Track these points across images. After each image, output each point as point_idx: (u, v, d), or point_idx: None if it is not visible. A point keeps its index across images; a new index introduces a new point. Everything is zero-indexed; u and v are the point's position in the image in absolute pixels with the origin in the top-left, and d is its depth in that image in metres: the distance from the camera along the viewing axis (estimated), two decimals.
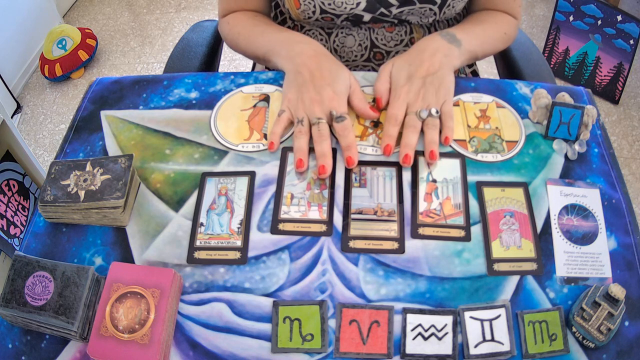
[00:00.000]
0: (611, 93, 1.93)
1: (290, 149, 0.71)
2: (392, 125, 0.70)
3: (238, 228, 0.64)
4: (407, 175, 0.68)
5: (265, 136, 0.73)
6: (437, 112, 0.70)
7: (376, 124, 0.74)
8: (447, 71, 0.73)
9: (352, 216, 0.65)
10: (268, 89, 0.79)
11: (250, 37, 0.83)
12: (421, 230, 0.64)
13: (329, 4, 0.77)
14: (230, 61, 2.21)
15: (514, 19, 0.85)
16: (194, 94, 0.79)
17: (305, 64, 0.73)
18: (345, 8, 0.77)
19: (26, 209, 1.36)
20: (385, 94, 0.73)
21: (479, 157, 0.70)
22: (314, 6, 0.78)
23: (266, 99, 0.77)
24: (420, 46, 0.75)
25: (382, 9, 0.77)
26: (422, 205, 0.66)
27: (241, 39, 0.85)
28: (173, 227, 0.65)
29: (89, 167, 0.66)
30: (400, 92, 0.71)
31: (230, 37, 0.87)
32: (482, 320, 0.57)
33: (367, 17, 0.79)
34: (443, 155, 0.70)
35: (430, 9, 0.78)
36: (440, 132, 0.70)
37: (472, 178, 0.68)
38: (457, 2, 0.78)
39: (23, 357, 0.57)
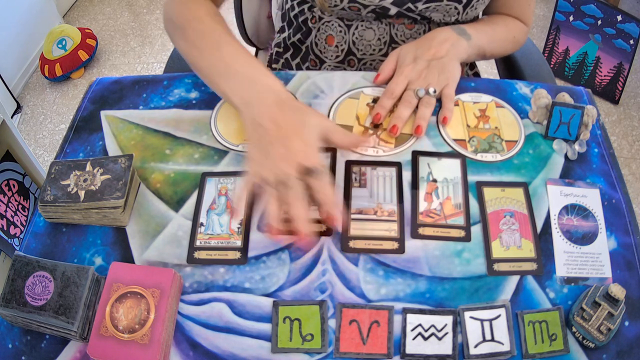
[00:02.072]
0: (611, 93, 1.93)
1: None
2: (387, 98, 0.73)
3: (238, 228, 0.64)
4: (407, 175, 0.68)
5: None
6: (434, 91, 0.72)
7: (376, 126, 0.74)
8: (453, 59, 0.75)
9: (352, 216, 0.65)
10: None
11: (202, 45, 0.70)
12: (421, 230, 0.64)
13: None
14: None
15: (525, 25, 0.88)
16: (194, 94, 0.79)
17: (267, 113, 0.62)
18: (374, 0, 0.77)
19: (26, 209, 1.36)
20: (388, 73, 0.76)
21: (478, 157, 0.70)
22: None
23: None
24: (430, 34, 0.78)
25: (409, 4, 0.78)
26: (422, 205, 0.66)
27: (190, 34, 0.71)
28: (173, 227, 0.65)
29: (89, 167, 0.66)
30: (404, 69, 0.74)
31: (178, 20, 0.73)
32: (482, 320, 0.57)
33: (393, 10, 0.79)
34: (443, 155, 0.70)
35: (455, 7, 0.79)
36: (439, 113, 0.73)
37: (472, 178, 0.68)
38: (480, 3, 0.80)
39: (23, 357, 0.57)
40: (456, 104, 0.76)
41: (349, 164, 0.69)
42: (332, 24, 0.85)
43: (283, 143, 0.59)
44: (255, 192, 0.60)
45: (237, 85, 0.66)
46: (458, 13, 0.80)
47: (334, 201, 0.58)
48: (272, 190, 0.58)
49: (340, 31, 0.86)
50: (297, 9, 0.89)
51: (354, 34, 0.85)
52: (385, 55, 0.87)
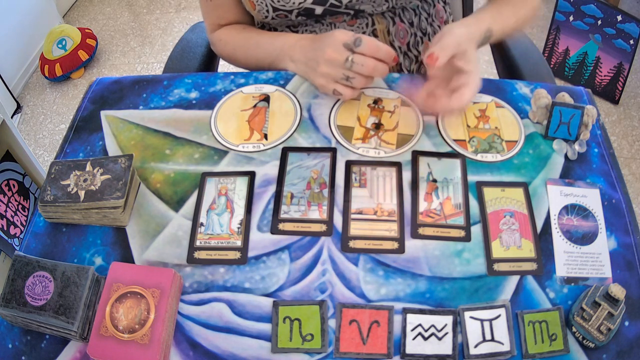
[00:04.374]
0: (611, 93, 1.93)
1: (290, 148, 0.71)
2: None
3: (238, 228, 0.64)
4: (407, 175, 0.68)
5: (265, 136, 0.73)
6: None
7: (377, 126, 0.74)
8: None
9: (352, 216, 0.65)
10: (268, 89, 0.79)
11: (247, 51, 0.86)
12: (421, 230, 0.64)
13: (278, 1, 0.78)
14: None
15: None
16: (194, 94, 0.79)
17: (308, 52, 0.76)
18: (294, 3, 0.77)
19: (26, 209, 1.36)
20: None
21: (478, 157, 0.70)
22: (266, 5, 0.79)
23: (266, 99, 0.77)
24: (462, 47, 0.67)
25: (332, 0, 0.78)
26: (422, 205, 0.66)
27: (238, 54, 0.87)
28: (173, 227, 0.65)
29: (89, 167, 0.66)
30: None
31: (225, 53, 0.90)
32: (482, 320, 0.57)
33: (318, 9, 0.79)
34: (443, 155, 0.70)
35: None
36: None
37: (472, 178, 0.68)
38: None
39: (23, 357, 0.57)
40: None
41: (349, 164, 0.69)
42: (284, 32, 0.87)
43: (323, 47, 0.71)
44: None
45: (285, 57, 0.80)
46: (386, 0, 0.80)
47: (387, 47, 0.69)
48: (353, 79, 0.70)
49: None
50: (259, 25, 0.91)
51: None
52: None
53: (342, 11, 0.81)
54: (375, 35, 0.85)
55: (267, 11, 0.80)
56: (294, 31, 0.86)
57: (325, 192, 0.67)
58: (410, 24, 0.87)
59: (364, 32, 0.85)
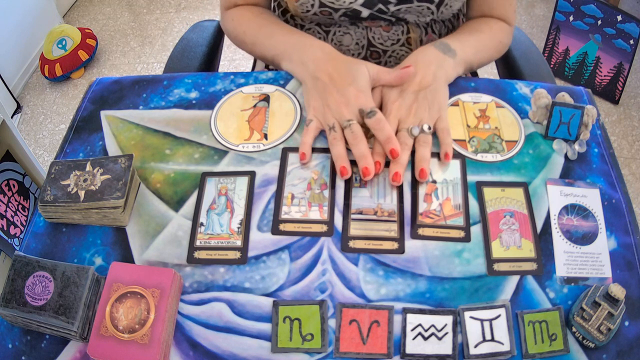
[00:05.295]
0: (611, 93, 1.93)
1: (291, 149, 0.71)
2: (379, 145, 0.68)
3: (238, 228, 0.64)
4: (407, 176, 0.68)
5: (265, 136, 0.73)
6: (429, 128, 0.68)
7: None
8: (441, 84, 0.72)
9: (352, 216, 0.65)
10: (268, 89, 0.79)
11: (257, 37, 0.82)
12: (421, 231, 0.64)
13: None
14: (230, 61, 2.21)
15: (509, 25, 0.85)
16: (194, 94, 0.79)
17: (321, 69, 0.72)
18: (344, 2, 0.77)
19: (26, 209, 1.36)
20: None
21: (478, 157, 0.70)
22: None
23: (266, 99, 0.77)
24: (412, 57, 0.73)
25: (380, 5, 0.77)
26: (422, 206, 0.66)
27: (247, 38, 0.84)
28: (173, 227, 0.65)
29: (89, 167, 0.66)
30: (391, 107, 0.70)
31: (234, 34, 0.86)
32: (482, 320, 0.57)
33: (365, 12, 0.78)
34: None
35: (428, 8, 0.78)
36: (435, 151, 0.69)
37: (472, 178, 0.68)
38: (454, 1, 0.78)
39: (23, 357, 0.57)
40: (456, 104, 0.76)
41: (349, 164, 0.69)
42: (312, 32, 0.86)
43: (341, 92, 0.69)
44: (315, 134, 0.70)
45: (293, 55, 0.76)
46: (432, 13, 0.79)
47: (392, 135, 0.66)
48: (336, 134, 0.67)
49: (320, 37, 0.85)
50: (282, 18, 0.89)
51: (332, 39, 0.85)
52: (364, 59, 0.85)
53: (386, 17, 0.80)
54: (409, 44, 0.84)
55: (312, 6, 0.77)
56: (325, 30, 0.84)
57: (326, 192, 0.67)
58: (439, 35, 0.87)
59: (398, 39, 0.83)
